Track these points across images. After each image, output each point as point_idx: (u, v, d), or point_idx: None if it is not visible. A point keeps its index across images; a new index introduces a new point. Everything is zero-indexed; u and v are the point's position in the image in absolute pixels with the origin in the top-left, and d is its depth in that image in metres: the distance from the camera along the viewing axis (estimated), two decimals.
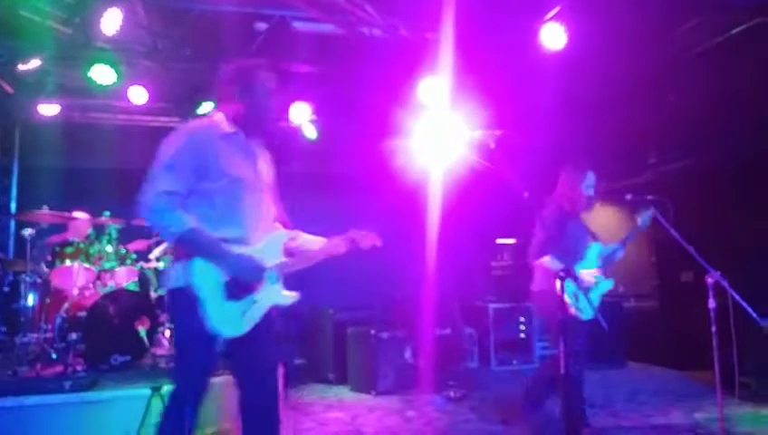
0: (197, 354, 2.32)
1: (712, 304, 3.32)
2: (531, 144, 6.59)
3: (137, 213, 2.29)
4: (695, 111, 5.47)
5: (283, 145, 7.35)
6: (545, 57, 4.85)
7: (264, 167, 2.59)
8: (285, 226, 2.71)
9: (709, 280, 3.30)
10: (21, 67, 5.01)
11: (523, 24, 4.85)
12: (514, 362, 6.54)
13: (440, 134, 5.24)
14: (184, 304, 2.28)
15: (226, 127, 2.43)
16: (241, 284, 2.33)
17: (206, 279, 2.27)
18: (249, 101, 2.45)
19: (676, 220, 3.62)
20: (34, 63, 4.95)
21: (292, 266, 2.57)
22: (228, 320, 2.31)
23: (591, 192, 4.14)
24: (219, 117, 2.46)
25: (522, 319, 6.68)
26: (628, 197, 3.77)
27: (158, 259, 5.36)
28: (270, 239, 2.52)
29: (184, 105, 6.55)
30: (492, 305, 6.66)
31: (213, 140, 2.37)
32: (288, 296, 2.55)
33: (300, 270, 2.57)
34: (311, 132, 6.83)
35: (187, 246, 2.29)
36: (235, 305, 2.33)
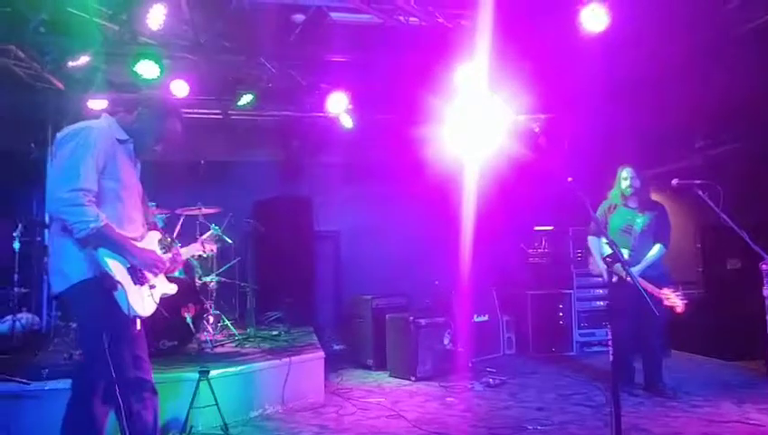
0: (124, 339, 2.47)
1: (766, 291, 3.21)
2: (575, 128, 6.47)
3: (52, 206, 2.43)
4: (744, 91, 5.25)
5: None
6: (589, 39, 4.74)
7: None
8: (157, 230, 2.96)
9: (764, 266, 3.19)
10: (70, 64, 5.18)
11: (564, 5, 4.74)
12: (553, 349, 6.48)
13: (479, 121, 5.20)
14: (98, 292, 2.42)
15: (121, 133, 2.64)
16: (140, 271, 2.57)
17: (117, 266, 2.46)
18: (148, 127, 2.69)
19: (725, 205, 3.50)
20: (83, 60, 5.11)
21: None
22: (140, 301, 2.54)
23: (628, 184, 4.46)
24: (113, 123, 2.65)
25: (560, 306, 6.61)
26: (675, 182, 3.68)
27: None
28: (148, 238, 2.77)
29: (224, 97, 6.69)
30: (530, 292, 6.61)
31: (113, 142, 2.57)
32: (172, 287, 2.86)
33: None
34: (347, 122, 6.86)
35: (100, 240, 2.41)
36: (142, 289, 2.58)
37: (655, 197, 4.94)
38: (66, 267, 2.45)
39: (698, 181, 3.59)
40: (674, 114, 5.98)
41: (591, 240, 4.81)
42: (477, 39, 4.91)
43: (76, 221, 2.34)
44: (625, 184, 4.59)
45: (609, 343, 2.49)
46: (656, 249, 4.53)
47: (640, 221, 4.59)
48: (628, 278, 3.85)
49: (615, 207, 4.69)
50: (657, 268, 4.52)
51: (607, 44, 4.85)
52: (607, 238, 2.87)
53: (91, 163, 2.41)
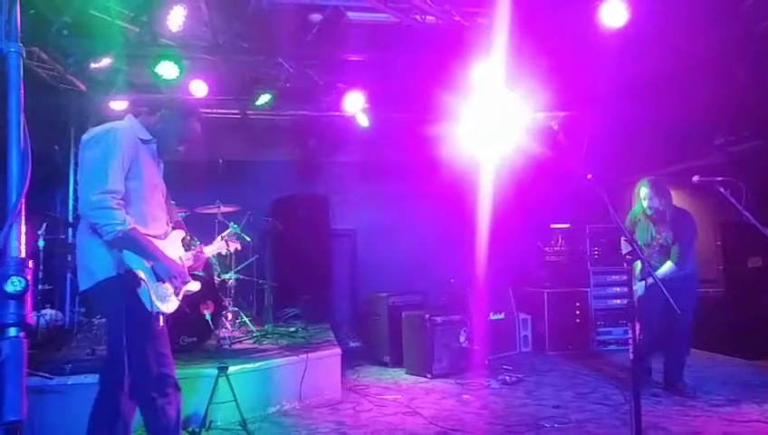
0: (147, 335, 2.50)
1: None
2: (594, 125, 6.41)
3: (82, 209, 2.47)
4: (766, 87, 5.16)
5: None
6: (608, 35, 4.69)
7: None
8: (182, 229, 3.00)
9: None
10: (93, 65, 5.28)
11: (582, 0, 4.70)
12: (569, 347, 6.44)
13: (496, 119, 5.18)
14: (122, 289, 2.46)
15: (144, 134, 2.69)
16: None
17: (140, 265, 2.51)
18: (170, 128, 2.75)
19: (747, 203, 3.44)
20: (105, 61, 5.20)
21: (188, 261, 2.91)
22: (164, 298, 2.60)
23: (646, 205, 4.43)
24: (137, 124, 2.71)
25: (577, 304, 6.56)
26: (696, 179, 3.63)
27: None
28: (172, 236, 2.82)
29: (242, 97, 6.75)
30: (546, 290, 6.58)
31: (136, 142, 2.62)
32: (195, 284, 2.85)
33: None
34: (364, 121, 6.88)
35: (127, 244, 2.46)
36: (165, 286, 2.62)
37: (675, 195, 4.86)
38: (92, 265, 2.50)
39: (720, 178, 3.53)
40: (694, 111, 5.89)
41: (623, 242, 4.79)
42: (494, 36, 4.89)
43: (104, 224, 2.39)
44: (645, 204, 4.54)
45: (629, 341, 2.47)
46: (665, 267, 4.48)
47: (659, 238, 4.55)
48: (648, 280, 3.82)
49: (639, 220, 4.68)
50: (683, 269, 4.45)
51: (626, 40, 4.80)
52: (626, 237, 2.86)
53: (117, 165, 2.46)
